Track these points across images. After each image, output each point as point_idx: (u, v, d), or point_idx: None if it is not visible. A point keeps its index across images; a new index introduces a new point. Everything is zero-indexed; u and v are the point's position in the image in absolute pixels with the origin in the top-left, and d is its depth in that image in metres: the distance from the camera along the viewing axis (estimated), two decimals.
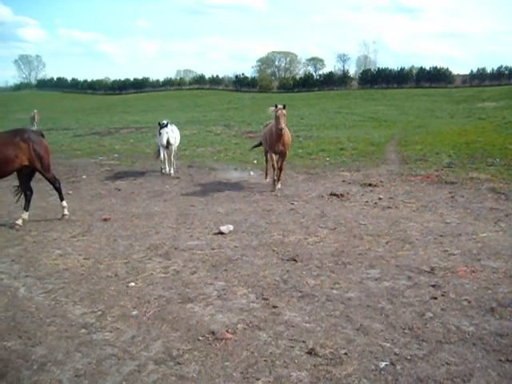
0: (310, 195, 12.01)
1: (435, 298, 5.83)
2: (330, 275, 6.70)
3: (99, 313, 5.75)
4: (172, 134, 16.07)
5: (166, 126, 15.92)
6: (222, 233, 8.81)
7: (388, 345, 4.84)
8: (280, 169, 13.27)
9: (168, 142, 15.87)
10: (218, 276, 6.77)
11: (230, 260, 7.42)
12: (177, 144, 16.82)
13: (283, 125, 12.25)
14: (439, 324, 5.23)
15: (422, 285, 6.22)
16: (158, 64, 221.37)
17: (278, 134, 12.55)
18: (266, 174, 14.63)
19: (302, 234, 8.69)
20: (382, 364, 4.50)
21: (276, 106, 12.47)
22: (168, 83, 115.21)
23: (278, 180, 13.22)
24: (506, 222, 9.33)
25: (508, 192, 12.06)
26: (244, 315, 5.56)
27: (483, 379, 4.22)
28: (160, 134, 15.92)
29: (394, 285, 6.31)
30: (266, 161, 14.63)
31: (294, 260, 7.32)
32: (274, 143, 12.93)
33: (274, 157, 13.16)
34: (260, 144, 15.65)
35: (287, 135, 13.04)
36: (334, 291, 6.15)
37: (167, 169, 16.19)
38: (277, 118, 12.32)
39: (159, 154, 16.19)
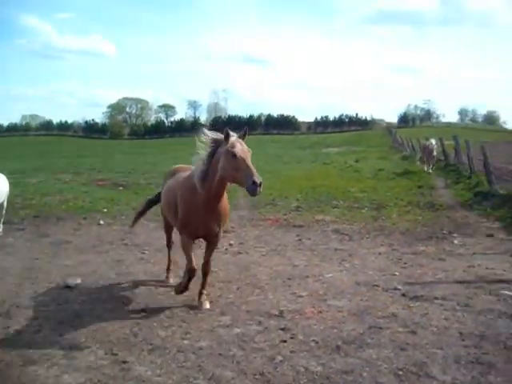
0: (162, 243, 11.87)
1: (285, 341, 5.93)
2: (182, 325, 6.60)
3: None
4: None
5: None
6: (69, 286, 8.38)
7: None
8: (205, 268, 7.53)
9: None
10: (64, 333, 6.38)
11: (78, 315, 7.05)
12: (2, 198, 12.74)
13: (256, 176, 6.11)
14: (289, 367, 5.31)
15: (271, 329, 6.32)
16: (1, 109, 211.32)
17: (210, 203, 6.89)
18: (169, 269, 8.90)
19: (152, 284, 8.54)
20: None
21: (227, 133, 6.56)
22: (13, 129, 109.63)
23: (202, 292, 7.46)
24: (349, 261, 9.85)
25: (351, 233, 12.80)
26: (92, 374, 5.27)
27: None
28: None
29: (244, 331, 6.34)
30: (169, 245, 9.16)
31: (144, 311, 7.14)
32: (195, 217, 7.02)
33: (191, 245, 7.39)
34: (148, 208, 9.61)
35: (224, 201, 7.18)
36: (186, 341, 6.05)
37: None
38: (237, 161, 6.28)
39: None
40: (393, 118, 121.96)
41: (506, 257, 9.98)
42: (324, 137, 72.54)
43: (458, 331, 6.14)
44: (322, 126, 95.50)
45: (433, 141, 27.66)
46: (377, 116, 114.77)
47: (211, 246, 7.53)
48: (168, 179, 8.27)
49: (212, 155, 6.73)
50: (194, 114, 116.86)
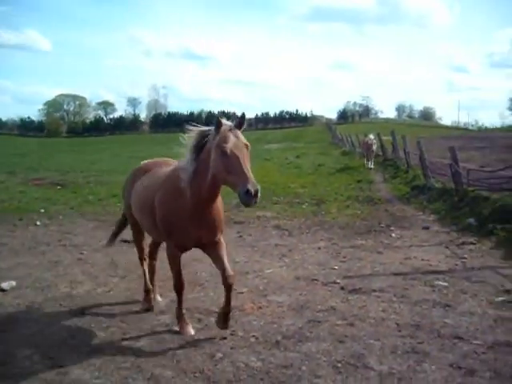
0: (101, 243, 11.67)
1: (225, 338, 5.92)
2: (121, 325, 6.49)
3: None
4: None
5: None
6: (3, 290, 8.11)
7: None
8: (229, 281, 5.79)
9: None
10: None
11: (13, 320, 6.83)
12: None
13: (251, 184, 4.96)
14: (229, 363, 5.31)
15: (211, 326, 6.29)
16: None
17: (201, 209, 5.66)
18: (149, 290, 7.19)
19: (91, 285, 8.35)
20: None
21: (219, 122, 5.30)
22: None
23: (227, 315, 5.92)
24: (290, 256, 9.94)
25: (291, 228, 12.93)
26: (27, 380, 5.12)
27: None
28: None
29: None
30: (142, 257, 7.46)
31: (83, 313, 6.99)
32: (181, 225, 5.78)
33: (179, 257, 6.22)
34: (121, 228, 8.12)
35: (218, 205, 5.87)
36: (125, 342, 5.96)
37: None
38: (228, 160, 5.11)
39: None
40: (332, 115, 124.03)
41: (441, 248, 10.27)
42: (265, 133, 72.77)
43: (394, 322, 6.28)
44: (263, 122, 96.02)
45: (371, 136, 28.30)
46: (317, 112, 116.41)
47: (216, 251, 5.99)
48: (137, 178, 6.91)
49: (201, 149, 5.50)
50: (134, 111, 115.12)
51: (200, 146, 5.53)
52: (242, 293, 7.62)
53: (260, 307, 6.97)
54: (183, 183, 5.59)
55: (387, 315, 6.54)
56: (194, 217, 5.66)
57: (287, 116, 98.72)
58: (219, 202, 5.87)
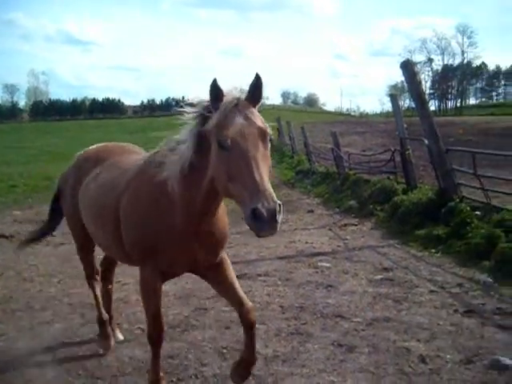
0: None
1: None
2: None
3: None
4: None
5: None
6: None
7: None
8: (251, 316, 4.01)
9: None
10: None
11: None
12: None
13: (265, 198, 2.94)
14: (113, 358, 5.20)
15: (93, 321, 6.11)
16: None
17: (196, 223, 3.74)
18: (105, 321, 5.49)
19: None
20: None
21: (216, 91, 3.31)
22: None
23: (248, 370, 4.15)
24: None
25: None
26: None
27: None
28: None
29: (67, 325, 6.11)
30: (92, 276, 5.58)
31: None
32: (167, 243, 3.83)
33: (159, 286, 4.18)
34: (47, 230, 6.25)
35: (221, 216, 4.03)
36: (0, 343, 5.68)
37: None
38: (230, 155, 3.12)
39: None
40: None
41: (325, 231, 10.63)
42: (151, 120, 71.97)
43: (279, 305, 6.42)
44: (149, 109, 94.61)
45: None
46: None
47: (222, 276, 4.26)
48: (86, 171, 5.02)
49: (198, 137, 3.49)
50: (12, 98, 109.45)
51: (198, 134, 3.48)
52: (127, 284, 7.48)
53: None
54: (170, 186, 3.64)
55: (272, 299, 6.67)
56: (187, 234, 3.78)
57: (174, 103, 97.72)
58: (222, 211, 4.05)
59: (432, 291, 6.66)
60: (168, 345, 5.41)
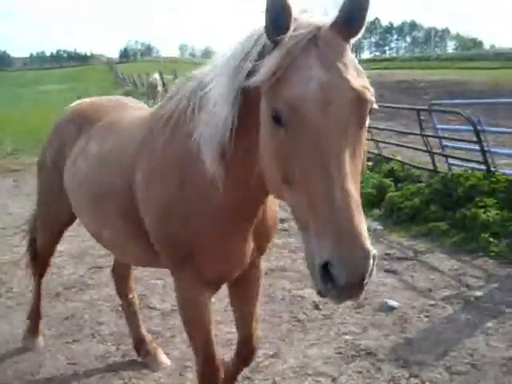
0: None
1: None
2: None
3: None
4: None
5: None
6: None
7: None
8: (252, 346, 3.11)
9: None
10: None
11: None
12: None
13: (347, 244, 1.58)
14: (7, 323, 5.01)
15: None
16: None
17: (244, 212, 2.49)
18: (34, 330, 4.57)
19: None
20: None
21: (283, 6, 1.70)
22: None
23: None
24: None
25: None
26: None
27: None
28: None
29: None
30: (41, 272, 4.66)
31: None
32: (208, 237, 2.53)
33: (208, 306, 2.91)
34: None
35: (272, 207, 2.72)
36: None
37: None
38: (294, 141, 1.71)
39: None
40: (114, 54, 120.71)
41: None
42: (42, 73, 68.38)
43: None
44: (39, 62, 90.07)
45: (156, 76, 28.07)
46: (97, 51, 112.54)
47: (248, 291, 3.13)
48: (77, 136, 3.56)
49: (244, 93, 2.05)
50: None
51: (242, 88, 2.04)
52: (18, 246, 7.18)
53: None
54: (209, 167, 2.33)
55: None
56: (230, 226, 2.55)
57: (65, 55, 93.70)
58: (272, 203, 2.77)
59: None
60: (63, 306, 5.34)
